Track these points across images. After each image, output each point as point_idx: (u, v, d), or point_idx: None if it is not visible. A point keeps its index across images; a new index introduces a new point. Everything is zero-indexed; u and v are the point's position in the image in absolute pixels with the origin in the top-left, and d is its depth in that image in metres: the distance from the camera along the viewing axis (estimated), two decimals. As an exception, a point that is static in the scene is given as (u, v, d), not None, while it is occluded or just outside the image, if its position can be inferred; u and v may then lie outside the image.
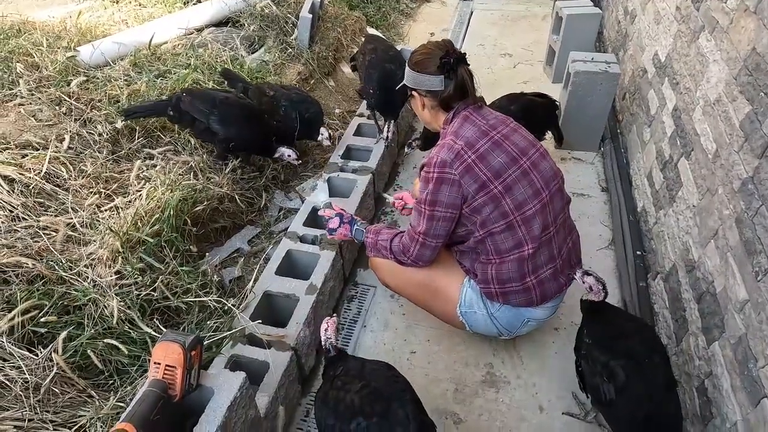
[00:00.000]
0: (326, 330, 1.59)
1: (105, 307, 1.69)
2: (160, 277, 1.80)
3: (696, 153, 1.96)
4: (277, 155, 2.52)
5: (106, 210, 1.98)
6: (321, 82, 3.50)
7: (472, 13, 4.92)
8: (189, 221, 2.05)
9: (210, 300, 1.79)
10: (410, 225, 1.76)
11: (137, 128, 2.45)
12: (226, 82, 2.76)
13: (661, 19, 2.68)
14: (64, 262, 1.77)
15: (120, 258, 1.80)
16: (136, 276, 1.78)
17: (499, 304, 1.78)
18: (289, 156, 2.52)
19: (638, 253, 2.37)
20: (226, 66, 2.92)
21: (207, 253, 2.11)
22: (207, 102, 2.26)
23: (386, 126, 2.88)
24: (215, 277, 1.88)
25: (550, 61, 3.82)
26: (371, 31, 4.23)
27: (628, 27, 3.38)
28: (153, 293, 1.75)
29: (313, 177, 2.25)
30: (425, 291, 1.91)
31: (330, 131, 2.68)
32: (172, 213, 1.90)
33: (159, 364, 1.29)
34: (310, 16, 3.33)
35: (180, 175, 2.25)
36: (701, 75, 2.03)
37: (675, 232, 2.06)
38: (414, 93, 1.73)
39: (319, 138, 2.64)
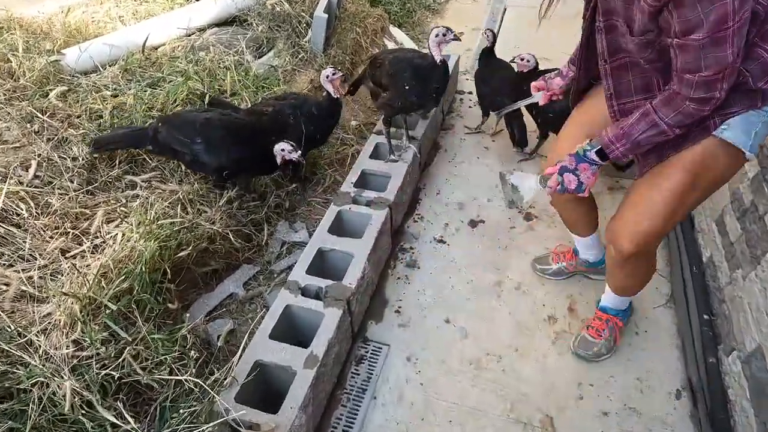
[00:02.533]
0: None
1: (58, 387, 1.38)
2: (128, 348, 1.48)
3: (795, 210, 1.56)
4: (278, 159, 2.10)
5: (70, 257, 1.67)
6: (336, 90, 3.13)
7: (505, 10, 4.48)
8: (169, 272, 1.72)
9: (186, 379, 1.47)
10: (701, 72, 1.19)
11: (120, 151, 2.12)
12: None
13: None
14: (11, 328, 1.46)
15: (80, 323, 1.48)
16: (97, 347, 1.47)
17: None
18: (284, 151, 2.06)
19: (705, 317, 1.97)
20: (213, 97, 2.48)
21: (187, 313, 1.78)
22: (186, 129, 1.91)
23: (405, 137, 2.51)
24: (192, 351, 1.54)
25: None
26: (393, 30, 3.84)
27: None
28: (115, 372, 1.43)
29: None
30: (698, 179, 1.43)
31: (332, 68, 2.26)
32: (144, 268, 1.57)
33: None
34: (326, 15, 2.96)
35: (165, 207, 1.92)
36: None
37: (760, 304, 1.66)
38: None
39: (332, 91, 2.24)
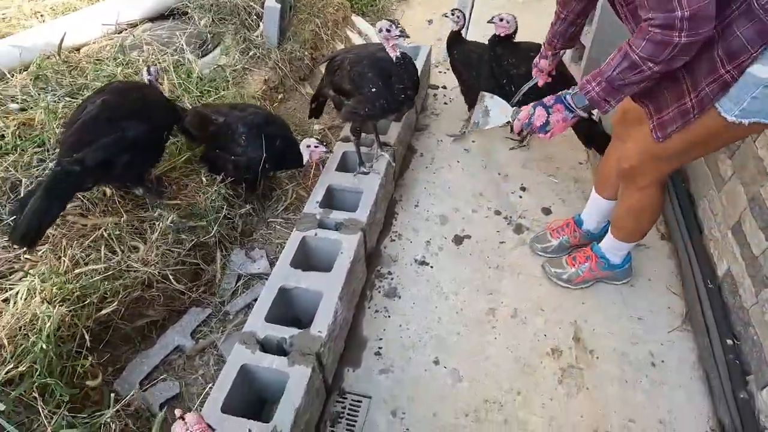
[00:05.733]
0: None
1: None
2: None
3: None
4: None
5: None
6: (295, 90, 2.78)
7: (476, -7, 4.17)
8: (87, 336, 1.36)
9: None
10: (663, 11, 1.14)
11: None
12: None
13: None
14: None
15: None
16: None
17: None
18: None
19: (729, 342, 1.72)
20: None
21: (112, 390, 1.41)
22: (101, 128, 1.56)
23: (376, 144, 2.18)
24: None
25: (578, 59, 3.12)
26: (356, 20, 3.48)
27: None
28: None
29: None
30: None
31: (317, 141, 1.99)
32: (43, 346, 1.20)
33: None
34: (278, 5, 2.59)
35: (83, 251, 1.55)
36: None
37: (802, 334, 1.42)
38: None
39: (306, 158, 2.01)
